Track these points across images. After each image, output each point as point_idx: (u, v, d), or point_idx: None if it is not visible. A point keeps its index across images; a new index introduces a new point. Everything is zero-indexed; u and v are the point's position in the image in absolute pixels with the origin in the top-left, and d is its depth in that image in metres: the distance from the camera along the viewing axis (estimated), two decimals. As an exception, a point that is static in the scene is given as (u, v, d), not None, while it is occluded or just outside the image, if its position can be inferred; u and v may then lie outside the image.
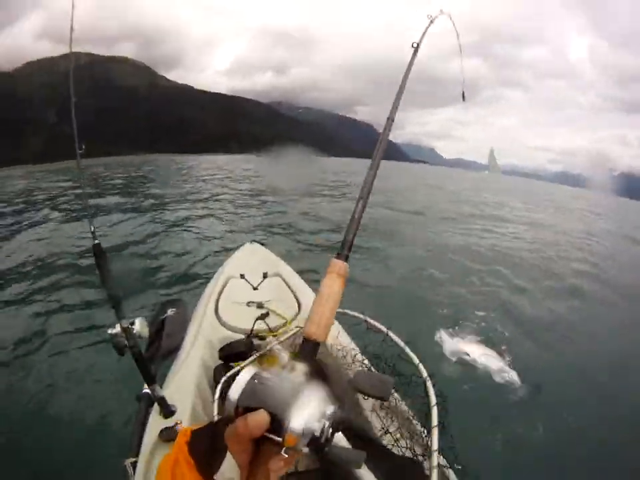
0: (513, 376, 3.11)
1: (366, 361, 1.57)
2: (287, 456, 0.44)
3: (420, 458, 1.20)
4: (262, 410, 0.43)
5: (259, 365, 1.40)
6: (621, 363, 3.67)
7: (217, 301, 2.14)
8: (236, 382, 0.46)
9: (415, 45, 1.02)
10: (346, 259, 0.64)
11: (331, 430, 0.44)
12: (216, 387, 1.48)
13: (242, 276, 2.27)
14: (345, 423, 0.48)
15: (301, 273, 2.69)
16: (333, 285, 0.61)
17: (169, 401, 1.35)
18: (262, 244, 3.23)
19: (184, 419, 1.32)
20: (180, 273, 5.30)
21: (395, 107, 0.91)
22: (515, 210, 16.29)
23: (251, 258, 2.91)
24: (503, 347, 3.57)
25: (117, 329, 1.15)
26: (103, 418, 2.46)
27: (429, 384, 1.18)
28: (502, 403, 2.92)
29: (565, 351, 3.94)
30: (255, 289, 2.21)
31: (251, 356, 1.55)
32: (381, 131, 0.88)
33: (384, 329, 1.46)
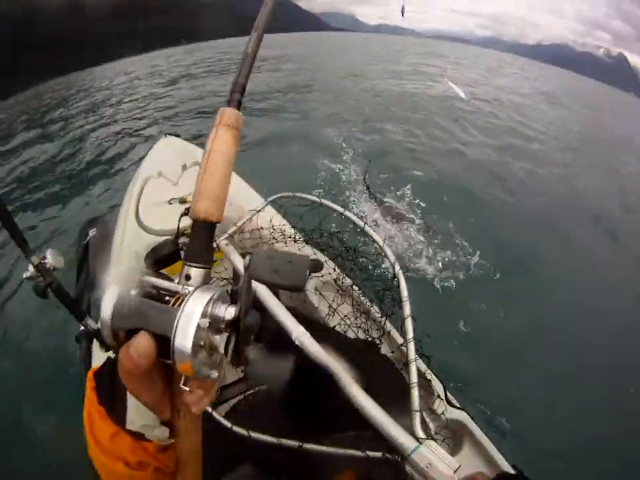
0: None
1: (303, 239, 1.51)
2: (187, 389, 0.35)
3: (376, 341, 1.23)
4: (142, 332, 0.33)
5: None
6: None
7: (137, 205, 1.97)
8: (105, 296, 0.34)
9: None
10: (238, 105, 0.46)
11: (235, 341, 0.35)
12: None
13: (160, 173, 2.10)
14: (263, 328, 0.38)
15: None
16: (223, 140, 0.43)
17: None
18: (177, 135, 2.99)
19: None
20: (96, 186, 5.00)
21: None
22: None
23: (168, 152, 2.71)
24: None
25: (30, 269, 1.00)
26: (49, 372, 2.36)
27: (397, 267, 1.08)
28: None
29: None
30: (175, 184, 2.06)
31: (180, 257, 1.41)
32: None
33: (340, 209, 1.30)
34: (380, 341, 1.25)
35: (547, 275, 3.74)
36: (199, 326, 0.32)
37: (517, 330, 2.99)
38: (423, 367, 1.19)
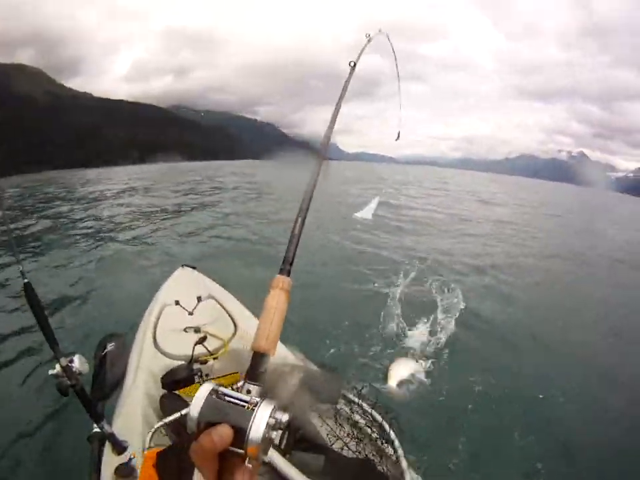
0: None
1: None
2: (251, 466, 0.46)
3: (371, 457, 1.26)
4: (224, 424, 0.45)
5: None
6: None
7: (154, 329, 2.12)
8: (195, 397, 0.47)
9: (352, 64, 1.00)
10: (288, 273, 0.65)
11: (287, 436, 0.47)
12: (164, 416, 1.47)
13: (177, 302, 2.22)
14: (301, 428, 0.51)
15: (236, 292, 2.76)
16: (278, 299, 0.63)
17: (119, 437, 1.31)
18: (193, 267, 3.20)
19: (137, 452, 1.30)
20: (115, 305, 5.05)
21: (331, 126, 0.89)
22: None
23: (184, 283, 2.90)
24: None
25: (57, 368, 1.09)
26: (57, 465, 2.35)
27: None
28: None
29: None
30: (190, 313, 2.19)
31: (193, 381, 1.57)
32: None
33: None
34: (379, 457, 1.28)
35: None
36: (268, 423, 0.45)
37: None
38: None
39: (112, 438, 1.28)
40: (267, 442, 0.45)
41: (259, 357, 0.58)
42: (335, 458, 1.23)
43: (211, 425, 0.46)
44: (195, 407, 0.46)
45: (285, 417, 0.48)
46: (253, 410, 0.46)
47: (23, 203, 14.83)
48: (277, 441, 0.46)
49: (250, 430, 0.45)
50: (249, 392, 0.53)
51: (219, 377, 2.00)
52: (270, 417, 0.46)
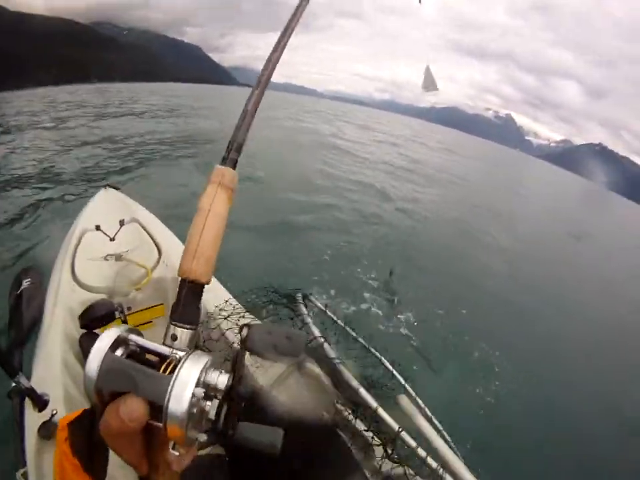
0: None
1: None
2: (177, 454, 0.35)
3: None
4: (133, 397, 0.32)
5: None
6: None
7: (73, 259, 1.87)
8: (92, 353, 0.33)
9: None
10: (234, 165, 0.47)
11: (227, 408, 0.36)
12: (85, 360, 1.32)
13: (97, 227, 1.99)
14: (252, 395, 0.37)
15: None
16: (215, 200, 0.43)
17: (40, 389, 1.18)
18: (117, 188, 2.92)
19: (59, 407, 1.19)
20: (27, 235, 4.55)
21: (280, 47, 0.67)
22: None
23: (107, 205, 2.67)
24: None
25: None
26: None
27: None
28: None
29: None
30: (112, 239, 2.00)
31: (113, 317, 1.42)
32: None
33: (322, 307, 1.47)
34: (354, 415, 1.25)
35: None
36: (193, 395, 0.32)
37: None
38: (359, 423, 1.20)
39: (30, 392, 1.15)
40: (197, 416, 0.33)
41: (185, 286, 0.40)
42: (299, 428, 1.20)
43: (117, 394, 0.33)
44: (90, 369, 0.33)
45: (222, 380, 0.35)
46: (174, 371, 0.33)
47: None
48: (212, 415, 0.34)
49: (168, 402, 0.32)
50: (174, 338, 0.38)
51: (142, 309, 1.89)
52: (199, 380, 0.33)
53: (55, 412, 1.15)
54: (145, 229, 2.15)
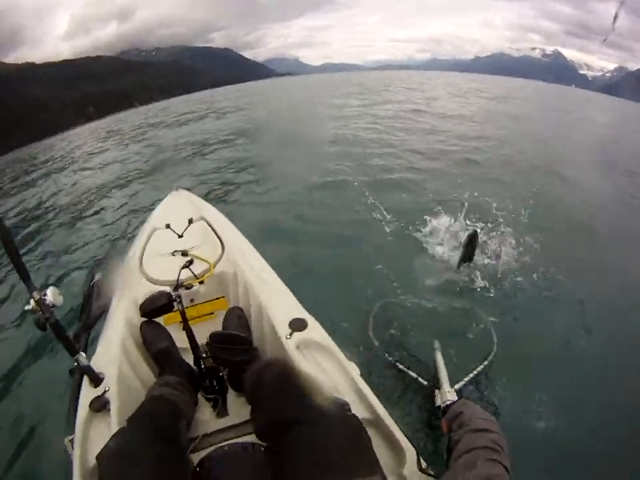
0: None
1: None
2: None
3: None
4: None
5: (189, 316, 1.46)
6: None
7: (142, 254, 2.05)
8: None
9: None
10: None
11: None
12: (145, 346, 1.49)
13: (167, 225, 2.15)
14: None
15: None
16: None
17: (98, 368, 1.31)
18: (187, 189, 3.10)
19: (111, 384, 1.29)
20: (107, 235, 5.05)
21: None
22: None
23: (177, 206, 2.80)
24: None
25: (32, 303, 1.10)
26: (42, 399, 2.37)
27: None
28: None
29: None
30: (180, 236, 2.14)
31: (172, 308, 1.47)
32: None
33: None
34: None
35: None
36: None
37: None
38: (395, 427, 1.17)
39: (88, 369, 1.28)
40: None
41: None
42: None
43: None
44: None
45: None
46: None
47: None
48: None
49: None
50: None
51: (204, 302, 1.97)
52: None
53: (107, 389, 1.26)
54: (210, 226, 2.28)
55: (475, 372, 2.19)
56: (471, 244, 3.27)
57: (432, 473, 1.05)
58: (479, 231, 3.38)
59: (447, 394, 1.84)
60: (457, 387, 1.99)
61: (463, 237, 3.42)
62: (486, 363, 2.29)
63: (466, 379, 2.11)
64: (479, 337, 2.61)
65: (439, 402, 1.84)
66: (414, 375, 2.15)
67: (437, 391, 1.93)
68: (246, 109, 18.68)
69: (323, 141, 8.81)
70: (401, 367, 2.23)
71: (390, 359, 2.31)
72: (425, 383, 2.07)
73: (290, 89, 33.69)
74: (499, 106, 17.20)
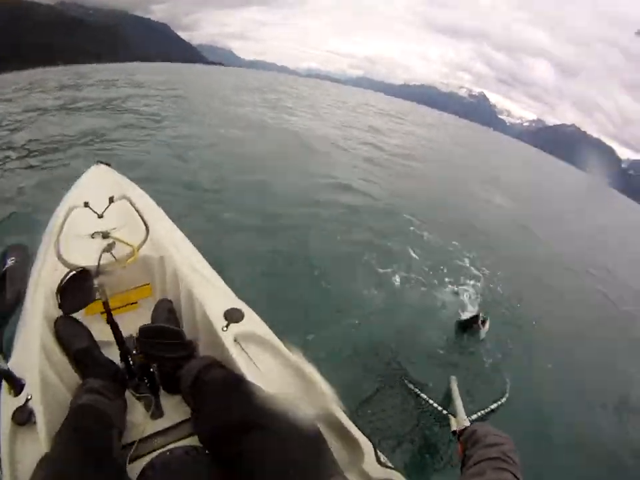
0: None
1: None
2: None
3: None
4: None
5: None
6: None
7: (59, 236, 1.75)
8: None
9: None
10: None
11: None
12: (60, 343, 1.35)
13: (86, 204, 1.92)
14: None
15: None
16: None
17: (18, 372, 1.14)
18: (108, 164, 2.89)
19: (34, 392, 1.12)
20: (15, 213, 4.26)
21: None
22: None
23: (97, 182, 2.61)
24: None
25: None
26: None
27: None
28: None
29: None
30: (100, 217, 1.97)
31: (94, 298, 1.32)
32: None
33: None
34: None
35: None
36: None
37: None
38: (348, 422, 1.14)
39: (7, 374, 1.11)
40: None
41: None
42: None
43: None
44: None
45: None
46: None
47: None
48: None
49: None
50: None
51: (128, 290, 1.83)
52: None
53: (29, 397, 1.10)
54: (134, 206, 2.05)
55: (489, 408, 2.47)
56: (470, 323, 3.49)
57: (391, 465, 1.06)
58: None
59: (463, 421, 2.01)
60: (472, 417, 2.21)
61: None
62: (500, 403, 2.59)
63: (480, 413, 2.38)
64: (492, 379, 3.02)
65: (454, 427, 1.97)
66: (431, 401, 2.42)
67: (452, 418, 2.10)
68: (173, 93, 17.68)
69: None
70: (421, 393, 2.52)
71: (410, 386, 2.61)
72: (441, 408, 2.34)
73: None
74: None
